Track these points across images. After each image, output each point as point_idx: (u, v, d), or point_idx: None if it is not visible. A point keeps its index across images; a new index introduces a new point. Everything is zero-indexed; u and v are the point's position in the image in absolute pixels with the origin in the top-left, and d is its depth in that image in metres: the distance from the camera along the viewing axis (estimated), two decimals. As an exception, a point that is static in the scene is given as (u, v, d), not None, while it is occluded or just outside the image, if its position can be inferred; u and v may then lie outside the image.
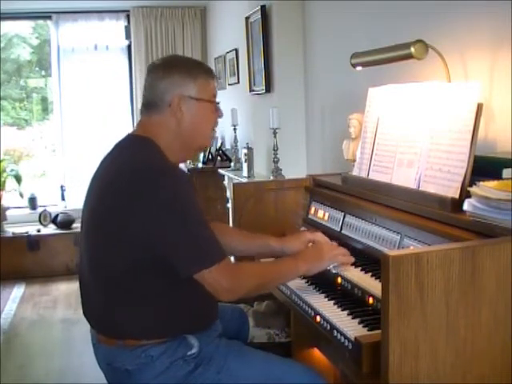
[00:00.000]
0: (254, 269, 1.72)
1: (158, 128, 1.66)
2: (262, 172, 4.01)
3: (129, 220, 1.53)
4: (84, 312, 1.74)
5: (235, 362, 1.65)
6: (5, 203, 5.57)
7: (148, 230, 1.52)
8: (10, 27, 6.40)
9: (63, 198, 6.02)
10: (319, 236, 1.92)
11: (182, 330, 1.63)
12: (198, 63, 1.78)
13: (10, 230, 5.52)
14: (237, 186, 2.48)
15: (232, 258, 2.03)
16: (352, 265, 1.79)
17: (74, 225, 5.48)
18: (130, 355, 1.59)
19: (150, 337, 1.59)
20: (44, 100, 6.69)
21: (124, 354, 1.60)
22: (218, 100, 1.76)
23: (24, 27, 6.58)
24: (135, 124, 1.74)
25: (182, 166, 5.13)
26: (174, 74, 1.66)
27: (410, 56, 1.84)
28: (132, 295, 1.59)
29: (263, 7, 3.75)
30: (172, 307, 1.61)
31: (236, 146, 4.56)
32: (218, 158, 5.09)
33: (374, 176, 1.99)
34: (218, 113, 1.75)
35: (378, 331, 1.29)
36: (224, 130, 5.51)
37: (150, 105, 1.68)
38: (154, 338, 1.59)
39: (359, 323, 1.50)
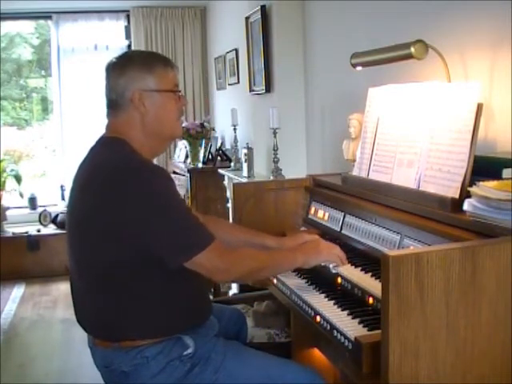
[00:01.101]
0: (249, 251, 1.71)
1: (126, 127, 1.67)
2: (262, 172, 4.01)
3: (113, 218, 1.53)
4: (77, 317, 1.73)
5: (233, 362, 1.65)
6: (5, 203, 5.58)
7: (134, 226, 1.52)
8: (10, 27, 6.40)
9: (63, 198, 6.01)
10: (316, 238, 1.92)
11: (176, 328, 1.62)
12: (155, 54, 1.77)
13: (10, 230, 5.52)
14: (237, 186, 2.48)
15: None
16: (352, 265, 1.79)
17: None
18: (125, 357, 1.59)
19: (145, 336, 1.59)
20: (44, 100, 6.69)
21: (120, 356, 1.60)
22: (179, 89, 1.76)
23: (25, 27, 6.58)
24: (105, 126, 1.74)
25: (181, 166, 5.13)
26: (130, 69, 1.66)
27: (409, 56, 1.84)
28: (123, 295, 1.58)
29: (263, 7, 3.75)
30: (165, 305, 1.61)
31: (236, 145, 4.56)
32: (218, 157, 5.09)
33: (374, 176, 1.98)
34: (181, 101, 1.74)
35: (378, 331, 1.29)
36: (224, 130, 5.51)
37: (113, 104, 1.69)
38: (148, 337, 1.59)
39: (359, 323, 1.50)
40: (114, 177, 1.55)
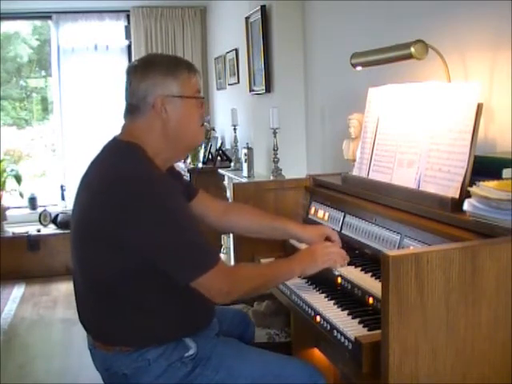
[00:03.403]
0: (250, 271, 1.69)
1: (144, 132, 1.61)
2: (262, 172, 4.01)
3: (119, 231, 1.50)
4: (80, 318, 1.72)
5: (233, 361, 1.64)
6: (5, 203, 5.57)
7: (140, 242, 1.50)
8: (10, 27, 6.40)
9: (63, 198, 6.01)
10: (334, 236, 1.91)
11: (178, 334, 1.61)
12: (178, 59, 1.71)
13: (10, 229, 5.52)
14: (237, 186, 2.48)
15: (232, 260, 2.01)
16: (352, 265, 1.79)
17: (74, 225, 5.48)
18: (126, 360, 1.58)
19: (147, 344, 1.58)
20: (44, 100, 6.69)
21: (121, 359, 1.59)
22: (201, 94, 1.72)
23: (24, 27, 6.58)
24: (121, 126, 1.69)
25: (181, 166, 5.14)
26: (153, 73, 1.61)
27: (409, 56, 1.84)
28: (125, 303, 1.57)
29: (263, 7, 3.75)
30: (167, 313, 1.60)
31: (236, 145, 4.56)
32: (218, 157, 5.09)
33: (374, 176, 1.98)
34: (203, 107, 1.71)
35: (378, 331, 1.29)
36: (224, 130, 5.51)
37: (133, 108, 1.63)
38: (150, 344, 1.58)
39: (359, 323, 1.50)
40: (123, 191, 1.50)
